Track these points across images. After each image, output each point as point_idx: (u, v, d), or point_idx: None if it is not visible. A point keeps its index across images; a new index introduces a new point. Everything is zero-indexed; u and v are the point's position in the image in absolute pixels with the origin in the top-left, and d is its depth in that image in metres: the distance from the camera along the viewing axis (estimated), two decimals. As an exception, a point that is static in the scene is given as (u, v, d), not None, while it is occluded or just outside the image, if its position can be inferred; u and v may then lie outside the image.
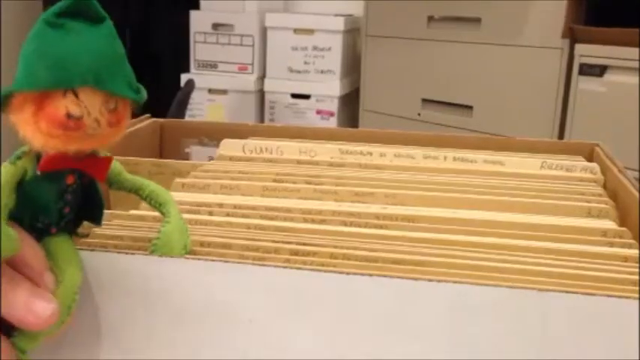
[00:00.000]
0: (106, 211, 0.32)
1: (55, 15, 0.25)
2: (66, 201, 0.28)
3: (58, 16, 0.25)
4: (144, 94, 0.28)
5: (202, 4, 1.80)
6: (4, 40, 1.71)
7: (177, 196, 0.41)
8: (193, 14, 1.78)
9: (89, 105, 0.25)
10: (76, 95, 0.25)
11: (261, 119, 1.81)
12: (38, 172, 0.27)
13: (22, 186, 0.27)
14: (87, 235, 0.35)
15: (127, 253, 0.30)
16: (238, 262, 0.30)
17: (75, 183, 0.28)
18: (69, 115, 0.25)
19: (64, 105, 0.25)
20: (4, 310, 0.26)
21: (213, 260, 0.30)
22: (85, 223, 0.31)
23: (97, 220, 0.31)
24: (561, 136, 1.33)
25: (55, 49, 0.25)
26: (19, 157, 0.27)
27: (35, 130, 0.25)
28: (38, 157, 0.27)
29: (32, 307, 0.26)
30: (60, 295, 0.27)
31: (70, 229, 0.30)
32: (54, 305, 0.26)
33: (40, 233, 0.28)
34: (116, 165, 0.32)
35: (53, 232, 0.29)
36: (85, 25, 0.25)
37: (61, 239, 0.29)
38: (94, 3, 0.26)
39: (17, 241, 0.26)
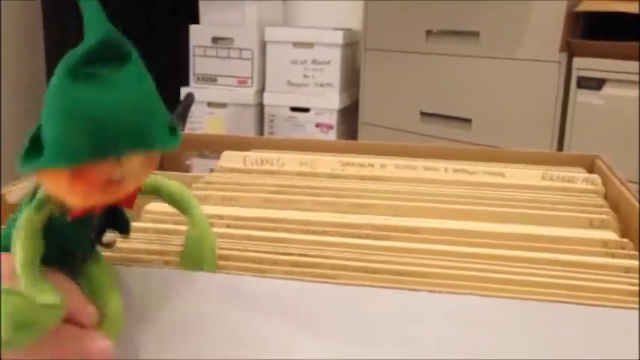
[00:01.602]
0: None
1: (78, 64, 0.22)
2: (92, 228, 0.28)
3: (81, 65, 0.22)
4: (179, 134, 0.25)
5: (202, 18, 1.81)
6: (4, 40, 1.72)
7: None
8: (193, 28, 1.79)
9: (131, 167, 0.23)
10: (119, 161, 0.23)
11: (261, 132, 1.81)
12: (66, 217, 0.25)
13: (49, 226, 0.26)
14: (112, 245, 0.34)
15: (140, 266, 0.30)
16: (238, 274, 0.30)
17: (101, 212, 0.28)
18: (109, 180, 0.23)
19: (104, 171, 0.23)
20: None
21: (214, 272, 0.30)
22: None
23: (124, 232, 0.31)
24: (560, 148, 1.33)
25: (89, 109, 0.21)
26: (42, 204, 0.25)
27: (70, 192, 0.23)
28: None
29: (86, 351, 0.25)
30: (108, 327, 0.27)
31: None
32: (107, 343, 0.26)
33: (72, 263, 0.28)
34: None
35: (83, 258, 0.28)
36: (112, 70, 0.22)
37: (94, 265, 0.29)
38: (118, 39, 0.23)
39: (61, 307, 0.24)
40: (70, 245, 0.27)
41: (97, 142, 0.21)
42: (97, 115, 0.21)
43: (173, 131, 0.25)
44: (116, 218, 0.30)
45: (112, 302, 0.28)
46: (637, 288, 0.32)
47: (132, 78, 0.23)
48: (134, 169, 0.23)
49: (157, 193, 0.32)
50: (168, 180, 0.32)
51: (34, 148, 0.23)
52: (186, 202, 0.32)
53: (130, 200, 0.28)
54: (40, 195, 0.25)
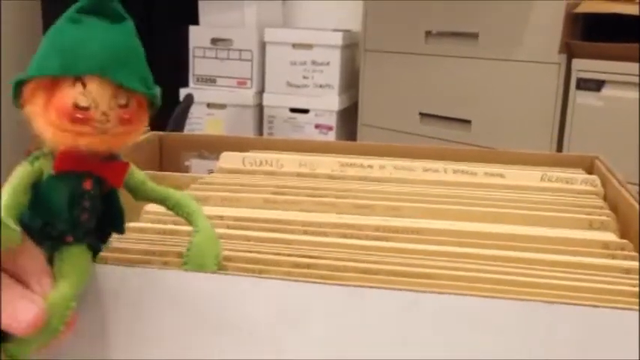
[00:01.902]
0: None
1: (75, 11, 0.26)
2: (83, 207, 0.27)
3: (78, 12, 0.26)
4: (157, 91, 0.27)
5: (201, 19, 1.81)
6: (4, 40, 1.72)
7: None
8: (192, 29, 1.79)
9: (97, 96, 0.25)
10: (84, 86, 0.25)
11: (260, 134, 1.81)
12: (52, 173, 0.27)
13: (37, 188, 0.26)
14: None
15: (140, 267, 0.30)
16: (239, 275, 0.30)
17: (93, 189, 0.27)
18: (76, 106, 0.25)
19: (71, 95, 0.25)
20: None
21: (213, 273, 0.30)
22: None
23: (119, 228, 0.31)
24: (559, 150, 1.33)
25: (67, 39, 0.25)
26: (37, 158, 0.27)
27: (46, 122, 0.26)
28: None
29: (15, 308, 0.25)
30: (52, 301, 0.26)
31: (93, 241, 0.29)
32: (38, 307, 0.25)
33: (54, 241, 0.27)
34: (140, 174, 0.31)
35: (69, 240, 0.28)
36: (103, 22, 0.26)
37: (77, 250, 0.28)
38: (115, 3, 0.26)
39: (18, 232, 0.25)
40: (52, 215, 0.27)
41: (65, 61, 0.25)
42: (71, 43, 0.25)
43: (150, 87, 0.27)
44: (112, 209, 0.29)
45: (59, 289, 0.27)
46: (637, 289, 0.32)
47: (117, 31, 0.26)
48: (101, 99, 0.25)
49: (163, 202, 0.32)
50: (174, 190, 0.32)
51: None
52: (192, 213, 0.32)
53: (117, 176, 0.28)
54: (35, 152, 0.27)
